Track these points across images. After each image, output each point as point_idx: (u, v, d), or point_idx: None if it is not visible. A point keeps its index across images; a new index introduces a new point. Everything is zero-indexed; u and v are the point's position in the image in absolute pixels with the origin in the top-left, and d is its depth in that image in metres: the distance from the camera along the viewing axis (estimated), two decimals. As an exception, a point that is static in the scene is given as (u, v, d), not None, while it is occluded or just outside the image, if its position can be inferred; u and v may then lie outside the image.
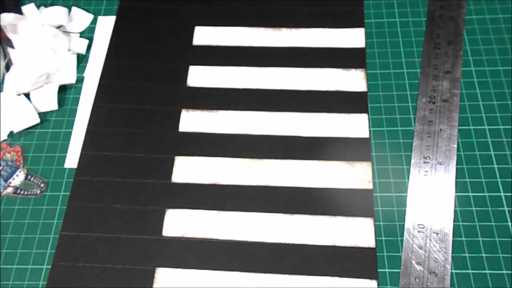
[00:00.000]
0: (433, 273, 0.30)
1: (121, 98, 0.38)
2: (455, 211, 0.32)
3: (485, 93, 0.36)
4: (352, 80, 0.37)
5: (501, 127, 0.35)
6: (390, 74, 0.37)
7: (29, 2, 0.42)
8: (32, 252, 0.32)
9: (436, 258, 0.30)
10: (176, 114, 0.37)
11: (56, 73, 0.39)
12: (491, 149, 0.34)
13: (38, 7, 0.42)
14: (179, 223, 0.33)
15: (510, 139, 0.34)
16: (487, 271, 0.30)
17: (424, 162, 0.33)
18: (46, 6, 0.42)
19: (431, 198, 0.32)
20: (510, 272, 0.30)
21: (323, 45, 0.39)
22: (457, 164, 0.33)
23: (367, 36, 0.39)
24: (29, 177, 0.35)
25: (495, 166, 0.33)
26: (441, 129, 0.34)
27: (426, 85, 0.36)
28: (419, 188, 0.33)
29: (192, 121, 0.37)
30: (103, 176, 0.35)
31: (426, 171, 0.33)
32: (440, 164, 0.33)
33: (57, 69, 0.39)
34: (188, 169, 0.35)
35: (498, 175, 0.33)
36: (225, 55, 0.39)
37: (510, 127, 0.34)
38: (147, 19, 0.42)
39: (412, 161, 0.33)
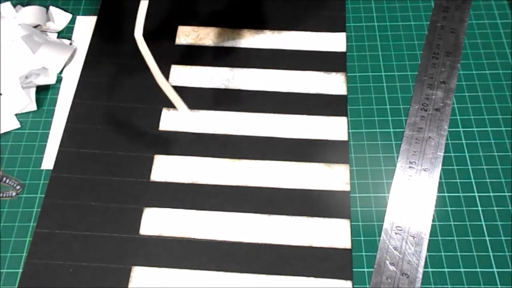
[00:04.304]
0: (405, 274, 0.32)
1: (101, 95, 0.39)
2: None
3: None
4: (333, 84, 0.39)
5: (489, 129, 0.37)
6: (369, 77, 0.40)
7: (6, 1, 0.43)
8: (7, 256, 0.33)
9: (410, 261, 0.32)
10: (157, 112, 0.39)
11: (34, 73, 0.40)
12: (466, 151, 0.36)
13: (14, 6, 0.42)
14: (156, 222, 0.34)
15: (483, 141, 0.37)
16: (462, 270, 0.32)
17: (409, 167, 0.35)
18: (23, 5, 0.43)
19: (412, 202, 0.34)
20: (484, 270, 0.32)
21: (305, 48, 0.41)
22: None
23: (348, 39, 0.42)
24: (4, 179, 0.36)
25: (470, 167, 0.36)
26: (429, 137, 0.36)
27: (420, 93, 0.38)
28: (401, 191, 0.35)
29: (173, 120, 0.38)
30: (81, 173, 0.36)
31: (410, 176, 0.35)
32: (425, 170, 0.35)
33: (35, 70, 0.40)
34: (167, 168, 0.36)
35: (472, 176, 0.36)
36: (207, 55, 0.41)
37: (499, 128, 0.37)
38: (130, 18, 0.43)
39: (398, 164, 0.35)
